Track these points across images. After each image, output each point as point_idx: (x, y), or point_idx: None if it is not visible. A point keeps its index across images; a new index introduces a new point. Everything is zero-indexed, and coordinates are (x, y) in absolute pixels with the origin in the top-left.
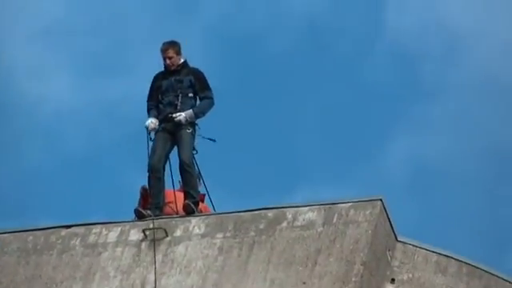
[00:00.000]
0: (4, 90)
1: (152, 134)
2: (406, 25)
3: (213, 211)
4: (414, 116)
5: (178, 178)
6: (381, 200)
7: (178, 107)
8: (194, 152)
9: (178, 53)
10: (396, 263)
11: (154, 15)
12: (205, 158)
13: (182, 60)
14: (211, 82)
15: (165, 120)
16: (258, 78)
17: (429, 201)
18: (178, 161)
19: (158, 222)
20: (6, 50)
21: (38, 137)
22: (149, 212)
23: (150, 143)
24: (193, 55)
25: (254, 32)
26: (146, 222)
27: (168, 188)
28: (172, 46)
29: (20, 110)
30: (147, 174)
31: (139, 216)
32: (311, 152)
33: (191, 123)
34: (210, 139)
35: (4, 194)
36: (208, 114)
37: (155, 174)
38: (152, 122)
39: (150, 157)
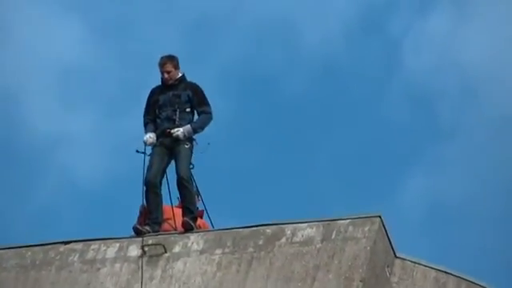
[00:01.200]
0: (20, 128)
1: (149, 149)
2: (421, 65)
3: (211, 227)
4: (431, 155)
5: (175, 193)
6: (379, 217)
7: (176, 122)
8: (191, 167)
9: (176, 67)
10: (395, 279)
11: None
12: (220, 197)
13: (180, 74)
14: (228, 123)
15: (162, 135)
16: (273, 118)
17: (444, 238)
18: (175, 176)
19: (156, 238)
20: (24, 89)
21: (54, 174)
22: (147, 228)
23: (147, 158)
24: (209, 95)
25: (270, 73)
26: (144, 238)
27: (166, 204)
28: (170, 60)
29: (35, 148)
30: (144, 189)
31: (137, 233)
32: (326, 191)
33: (189, 138)
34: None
35: (18, 231)
36: (206, 129)
37: (152, 189)
38: (150, 137)
39: (147, 172)
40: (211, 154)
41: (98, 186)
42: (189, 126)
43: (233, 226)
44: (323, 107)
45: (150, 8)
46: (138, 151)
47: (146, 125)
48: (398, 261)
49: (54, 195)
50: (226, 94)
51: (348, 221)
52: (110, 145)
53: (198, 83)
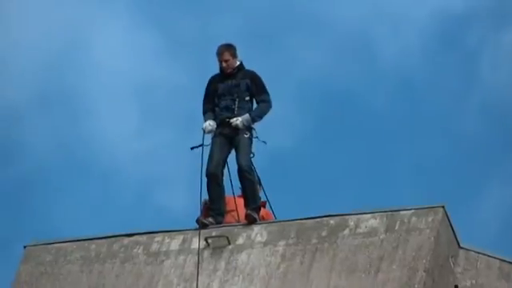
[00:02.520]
0: (99, 146)
1: (208, 137)
2: (499, 78)
3: (274, 218)
4: (507, 168)
5: (237, 183)
6: (443, 207)
7: (235, 112)
8: (252, 156)
9: (234, 55)
10: (459, 270)
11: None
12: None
13: (238, 63)
14: (306, 137)
15: (222, 124)
16: (352, 131)
17: None
18: (236, 166)
19: (220, 230)
20: (103, 107)
21: (134, 192)
22: (210, 220)
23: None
24: (288, 110)
25: (348, 87)
26: (208, 230)
27: (228, 194)
28: (228, 49)
29: (115, 166)
30: (206, 181)
31: (201, 225)
32: (403, 202)
33: (248, 127)
34: (263, 142)
35: None
36: (265, 118)
37: (214, 180)
38: (210, 125)
39: (208, 163)
40: (289, 164)
41: (177, 203)
42: (247, 115)
43: (296, 218)
44: (401, 120)
45: (227, 23)
46: (192, 148)
47: (204, 113)
48: (461, 251)
49: (133, 212)
50: (305, 108)
51: (411, 211)
52: (189, 161)
53: (255, 71)
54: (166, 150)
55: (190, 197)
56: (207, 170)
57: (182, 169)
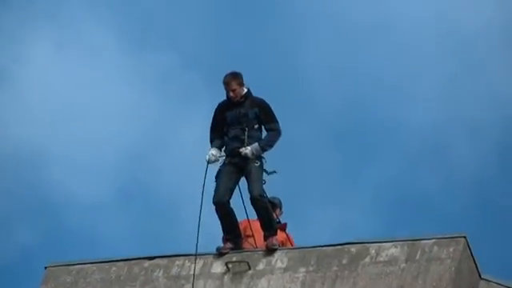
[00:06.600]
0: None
1: (213, 166)
2: None
3: (293, 241)
4: None
5: (250, 210)
6: (464, 237)
7: (245, 143)
8: (263, 183)
9: (241, 84)
10: None
11: (327, 178)
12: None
13: (245, 90)
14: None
15: (231, 154)
16: None
17: None
18: (248, 195)
19: (240, 255)
20: (182, 207)
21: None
22: (229, 245)
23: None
24: (361, 212)
25: (422, 194)
26: (228, 255)
27: (242, 219)
28: (234, 78)
29: None
30: (215, 210)
31: (221, 253)
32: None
33: (258, 156)
34: (273, 172)
35: None
36: (275, 146)
37: (222, 209)
38: (212, 155)
39: (215, 191)
40: None
41: None
42: (257, 144)
43: (317, 245)
44: (477, 230)
45: (301, 123)
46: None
47: (211, 141)
48: (482, 282)
49: None
50: (378, 211)
51: (433, 241)
52: None
53: (263, 98)
54: None
55: None
56: (214, 198)
57: None
